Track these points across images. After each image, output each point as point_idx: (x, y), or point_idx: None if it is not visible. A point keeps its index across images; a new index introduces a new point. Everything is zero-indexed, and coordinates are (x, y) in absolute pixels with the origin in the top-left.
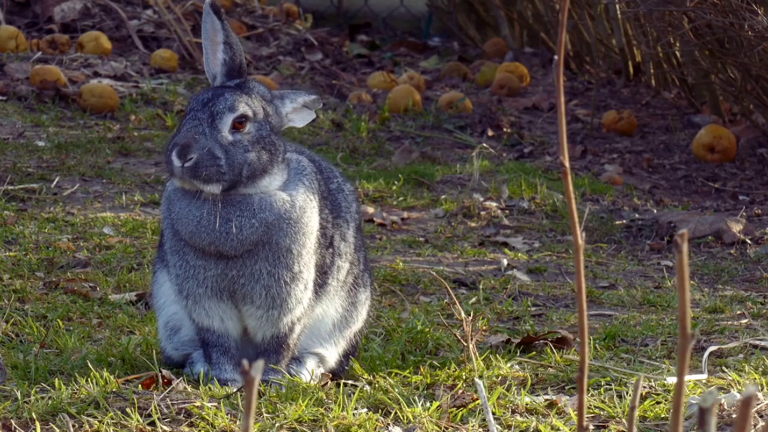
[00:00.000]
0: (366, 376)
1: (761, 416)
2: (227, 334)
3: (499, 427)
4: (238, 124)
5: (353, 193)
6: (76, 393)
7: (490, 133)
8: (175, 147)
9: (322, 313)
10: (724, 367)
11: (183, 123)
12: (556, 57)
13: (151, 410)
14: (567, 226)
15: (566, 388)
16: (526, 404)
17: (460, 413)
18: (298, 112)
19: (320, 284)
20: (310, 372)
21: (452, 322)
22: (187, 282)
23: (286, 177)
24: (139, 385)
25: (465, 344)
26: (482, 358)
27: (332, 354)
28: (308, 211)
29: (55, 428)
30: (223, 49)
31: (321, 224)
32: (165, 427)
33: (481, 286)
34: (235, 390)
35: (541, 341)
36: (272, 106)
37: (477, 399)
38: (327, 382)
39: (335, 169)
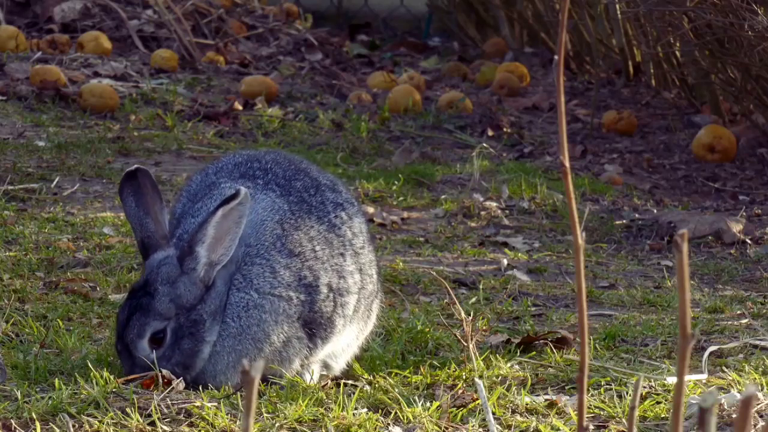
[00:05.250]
0: (366, 376)
1: (761, 416)
2: None
3: (499, 427)
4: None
5: (349, 215)
6: (76, 393)
7: (490, 133)
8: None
9: (333, 346)
10: (724, 367)
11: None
12: (556, 57)
13: (151, 410)
14: (567, 226)
15: (566, 388)
16: (526, 404)
17: (460, 413)
18: (219, 237)
19: (324, 337)
20: (311, 374)
21: (452, 322)
22: None
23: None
24: (139, 385)
25: (465, 344)
26: (482, 358)
27: (340, 363)
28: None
29: (55, 428)
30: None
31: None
32: (165, 427)
33: (481, 286)
34: (234, 390)
35: (541, 341)
36: (181, 282)
37: (477, 399)
38: (327, 383)
39: (329, 197)
